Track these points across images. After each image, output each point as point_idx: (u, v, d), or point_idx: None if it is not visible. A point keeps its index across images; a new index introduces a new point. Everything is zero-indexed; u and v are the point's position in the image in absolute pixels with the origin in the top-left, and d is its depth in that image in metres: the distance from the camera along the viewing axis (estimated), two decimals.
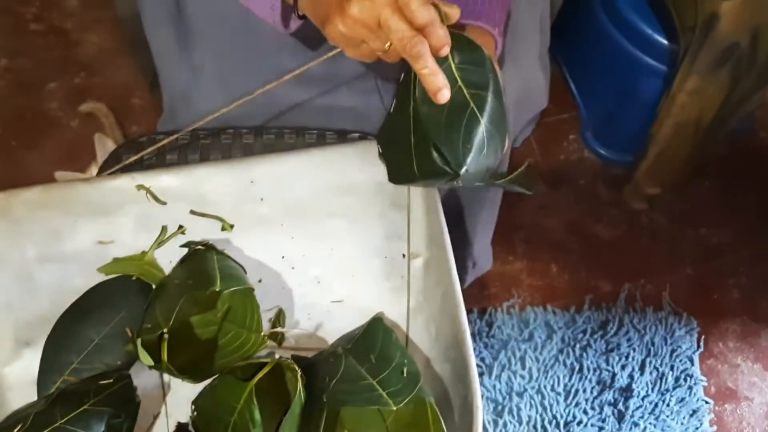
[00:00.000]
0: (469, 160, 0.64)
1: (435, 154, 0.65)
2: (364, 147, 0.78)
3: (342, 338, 0.71)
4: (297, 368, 0.60)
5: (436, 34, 0.62)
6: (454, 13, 0.65)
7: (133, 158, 0.75)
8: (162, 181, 0.76)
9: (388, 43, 0.63)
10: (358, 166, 0.77)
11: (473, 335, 1.38)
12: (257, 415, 0.57)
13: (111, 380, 0.63)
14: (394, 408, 0.59)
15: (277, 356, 0.65)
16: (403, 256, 0.76)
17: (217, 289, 0.61)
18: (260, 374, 0.59)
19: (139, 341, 0.60)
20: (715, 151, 1.56)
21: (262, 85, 0.77)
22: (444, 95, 0.63)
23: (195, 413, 0.63)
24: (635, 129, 1.44)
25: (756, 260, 1.50)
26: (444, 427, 0.60)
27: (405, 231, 0.76)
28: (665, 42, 1.29)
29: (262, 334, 0.65)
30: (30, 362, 0.69)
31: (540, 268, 1.47)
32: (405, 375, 0.62)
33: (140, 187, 0.75)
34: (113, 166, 0.78)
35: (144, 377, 0.70)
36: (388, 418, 0.64)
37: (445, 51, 0.63)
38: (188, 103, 0.95)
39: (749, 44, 1.12)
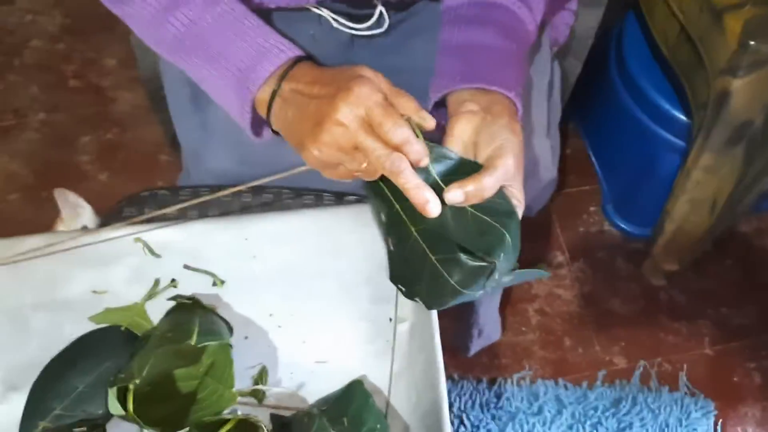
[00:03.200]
0: (496, 250, 0.63)
1: (464, 257, 0.63)
2: (358, 210, 0.80)
3: (321, 399, 0.71)
4: (263, 426, 0.60)
5: (413, 150, 0.63)
6: (428, 124, 0.66)
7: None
8: (159, 234, 0.78)
9: (365, 163, 0.64)
10: (350, 228, 0.78)
11: (481, 405, 1.35)
12: None
13: (84, 429, 0.63)
14: None
15: (255, 414, 0.65)
16: (390, 320, 0.76)
17: (192, 343, 0.62)
18: (221, 431, 0.59)
19: (112, 390, 0.61)
20: (735, 229, 1.54)
21: (268, 148, 0.80)
22: (432, 208, 0.63)
23: None
24: (655, 204, 1.43)
25: None
26: None
27: (392, 295, 0.76)
28: (684, 118, 1.29)
29: (234, 390, 0.65)
30: (15, 406, 0.70)
31: (553, 340, 1.45)
32: None
33: (137, 239, 0.78)
34: (115, 218, 0.80)
35: (124, 429, 0.70)
36: None
37: (425, 162, 0.63)
38: (199, 161, 0.98)
39: (763, 122, 1.11)
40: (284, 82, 0.69)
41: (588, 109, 1.61)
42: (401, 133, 0.63)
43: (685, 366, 1.42)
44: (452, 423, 0.66)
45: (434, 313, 0.71)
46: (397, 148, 0.63)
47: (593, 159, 1.63)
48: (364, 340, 0.76)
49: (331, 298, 0.77)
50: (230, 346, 0.67)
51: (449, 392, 1.36)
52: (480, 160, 0.67)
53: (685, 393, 1.39)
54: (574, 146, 1.66)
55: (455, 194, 0.63)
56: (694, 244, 1.38)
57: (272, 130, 0.75)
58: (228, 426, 0.60)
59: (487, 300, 1.15)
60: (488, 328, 1.24)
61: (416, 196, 0.63)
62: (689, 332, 1.46)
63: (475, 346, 1.26)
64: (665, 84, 1.33)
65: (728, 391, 1.40)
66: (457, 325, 1.29)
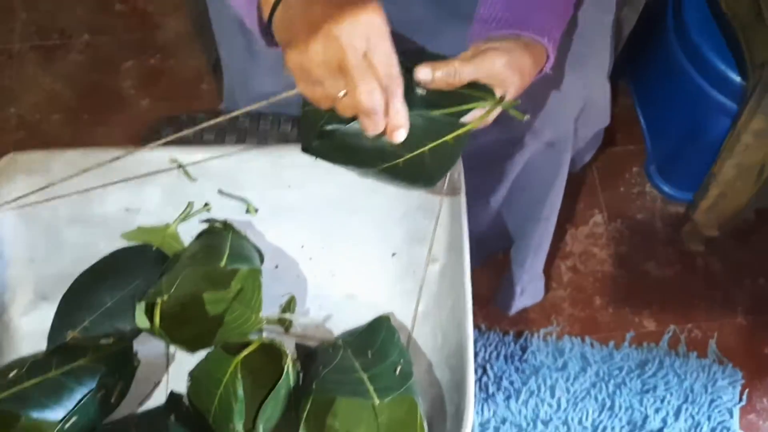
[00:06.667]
0: None
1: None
2: None
3: (347, 332, 0.71)
4: (285, 350, 0.60)
5: (398, 115, 0.60)
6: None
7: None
8: (195, 157, 0.78)
9: (343, 91, 0.58)
10: None
11: (505, 357, 1.35)
12: (240, 390, 0.58)
13: (111, 341, 0.64)
14: (377, 402, 0.58)
15: (282, 341, 0.65)
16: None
17: (222, 265, 0.62)
18: (245, 351, 0.59)
19: (139, 304, 0.62)
20: None
21: None
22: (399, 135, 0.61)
23: (190, 383, 0.64)
24: (700, 168, 1.38)
25: None
26: (425, 428, 0.59)
27: (426, 234, 0.75)
28: (738, 79, 1.24)
29: (263, 316, 0.65)
30: (45, 315, 0.71)
31: (583, 298, 1.43)
32: (397, 373, 0.61)
33: (174, 161, 0.77)
34: (152, 138, 0.80)
35: (151, 345, 0.71)
36: (380, 415, 0.64)
37: (400, 137, 0.61)
38: (245, 86, 0.97)
39: None
40: None
41: (640, 65, 1.56)
42: (396, 84, 0.58)
43: (715, 334, 1.40)
44: (475, 372, 0.66)
45: (467, 255, 0.70)
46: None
47: (641, 118, 1.59)
48: (393, 278, 0.76)
49: (364, 234, 0.76)
50: (260, 271, 0.67)
51: (475, 342, 1.36)
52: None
53: (714, 360, 1.37)
54: (622, 104, 1.61)
55: (424, 72, 0.62)
56: (737, 211, 1.34)
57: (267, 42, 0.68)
58: (252, 348, 0.60)
59: (531, 259, 1.13)
60: (531, 287, 1.22)
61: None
62: (723, 300, 1.43)
63: (517, 304, 1.25)
64: (722, 43, 1.28)
65: (758, 362, 1.38)
66: (499, 281, 1.28)
